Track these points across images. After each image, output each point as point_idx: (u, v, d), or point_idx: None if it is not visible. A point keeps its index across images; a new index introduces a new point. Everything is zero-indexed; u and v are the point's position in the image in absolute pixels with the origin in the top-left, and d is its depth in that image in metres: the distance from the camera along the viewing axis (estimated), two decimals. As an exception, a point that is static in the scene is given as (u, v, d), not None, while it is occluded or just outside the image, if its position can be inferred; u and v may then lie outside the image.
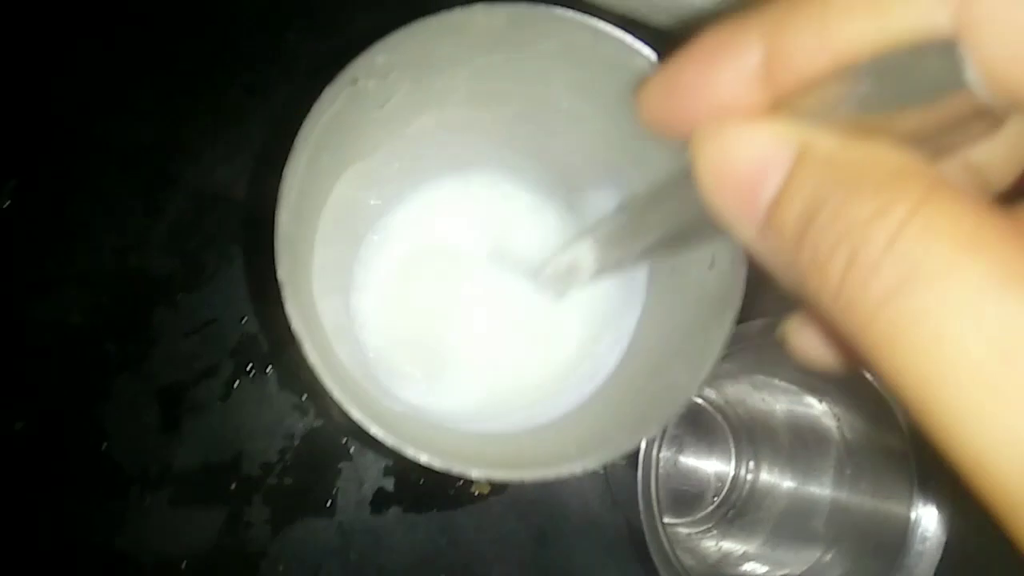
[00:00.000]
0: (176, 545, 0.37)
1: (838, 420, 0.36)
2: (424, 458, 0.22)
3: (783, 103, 0.14)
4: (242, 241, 0.40)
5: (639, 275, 0.29)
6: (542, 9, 0.22)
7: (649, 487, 0.30)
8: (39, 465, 0.37)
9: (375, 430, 0.22)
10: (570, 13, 0.22)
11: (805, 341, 0.18)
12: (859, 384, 0.34)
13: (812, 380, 0.38)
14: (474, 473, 0.23)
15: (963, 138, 0.13)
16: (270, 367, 0.40)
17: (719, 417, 0.42)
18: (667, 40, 0.19)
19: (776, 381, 0.40)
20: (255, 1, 0.41)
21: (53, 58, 0.39)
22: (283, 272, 0.23)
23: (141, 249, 0.39)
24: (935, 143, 0.13)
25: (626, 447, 0.24)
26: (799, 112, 0.14)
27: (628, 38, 0.22)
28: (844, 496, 0.35)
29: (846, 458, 0.35)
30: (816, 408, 0.38)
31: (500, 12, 0.22)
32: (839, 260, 0.12)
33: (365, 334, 0.32)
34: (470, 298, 0.33)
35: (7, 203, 0.38)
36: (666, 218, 0.19)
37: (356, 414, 0.21)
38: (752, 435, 0.40)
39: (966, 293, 0.10)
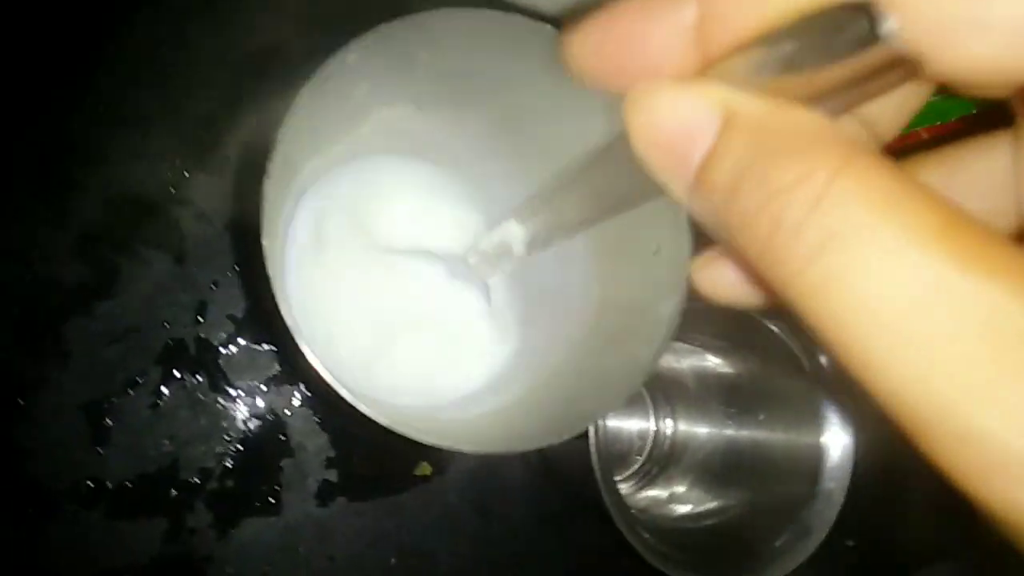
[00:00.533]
0: (118, 559, 0.36)
1: (746, 373, 0.41)
2: (431, 440, 0.23)
3: (714, 64, 0.15)
4: (162, 244, 0.39)
5: (583, 262, 0.31)
6: (500, 15, 0.24)
7: (601, 449, 0.32)
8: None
9: (384, 420, 0.23)
10: (527, 19, 0.24)
11: (713, 278, 0.19)
12: (763, 336, 0.38)
13: (715, 340, 0.43)
14: (467, 448, 0.25)
15: (873, 91, 0.14)
16: (201, 371, 0.39)
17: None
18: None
19: (681, 344, 0.44)
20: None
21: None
22: (271, 269, 0.23)
23: (50, 258, 0.37)
24: (847, 98, 0.14)
25: (595, 418, 0.26)
26: (727, 74, 0.14)
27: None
28: (760, 435, 0.39)
29: (756, 404, 0.39)
30: (721, 364, 0.43)
31: (461, 16, 0.24)
32: (765, 222, 0.13)
33: (302, 316, 0.32)
34: (411, 286, 0.34)
35: None
36: (598, 184, 0.20)
37: (365, 408, 0.22)
38: (667, 393, 0.44)
39: (878, 252, 0.12)
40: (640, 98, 0.15)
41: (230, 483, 0.39)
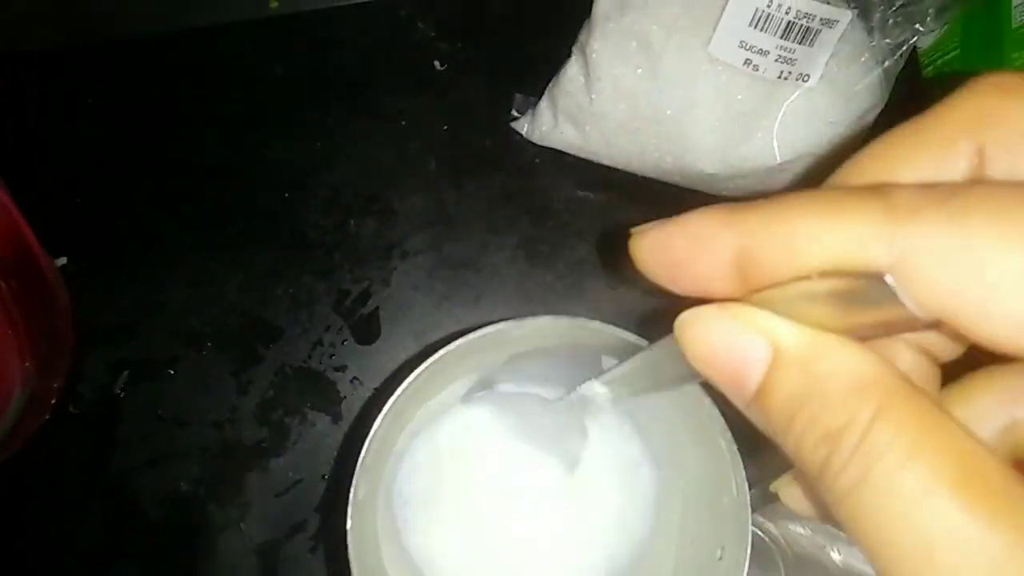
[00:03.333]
0: None
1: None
2: None
3: (759, 289, 0.16)
4: (322, 407, 0.44)
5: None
6: (558, 319, 0.25)
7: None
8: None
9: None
10: (569, 320, 0.24)
11: (793, 496, 0.21)
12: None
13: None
14: None
15: (907, 329, 0.15)
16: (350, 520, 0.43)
17: (775, 551, 0.43)
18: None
19: (839, 532, 0.40)
20: (319, 194, 0.45)
21: (161, 269, 0.44)
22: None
23: (235, 422, 0.44)
24: (883, 331, 0.15)
25: None
26: (772, 299, 0.16)
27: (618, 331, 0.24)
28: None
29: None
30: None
31: (529, 324, 0.25)
32: (819, 455, 0.15)
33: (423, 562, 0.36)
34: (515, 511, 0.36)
35: (121, 392, 0.43)
36: (666, 372, 0.22)
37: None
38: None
39: (902, 501, 0.14)
40: (692, 323, 0.16)
41: (372, 629, 0.43)
